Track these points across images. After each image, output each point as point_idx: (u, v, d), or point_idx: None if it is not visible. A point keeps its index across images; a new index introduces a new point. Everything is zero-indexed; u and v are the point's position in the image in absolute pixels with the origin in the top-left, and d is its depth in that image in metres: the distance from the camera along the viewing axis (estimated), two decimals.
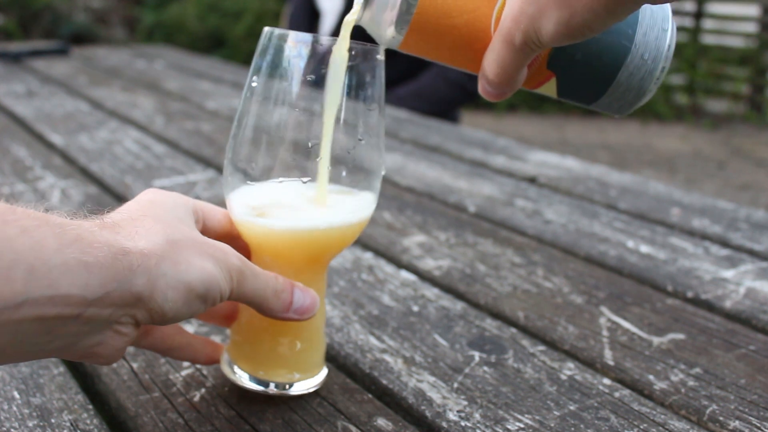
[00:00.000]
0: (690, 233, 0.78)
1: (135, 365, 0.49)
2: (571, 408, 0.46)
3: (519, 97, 4.90)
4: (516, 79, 0.37)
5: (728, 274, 0.67)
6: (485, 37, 0.38)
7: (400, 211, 0.83)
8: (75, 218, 0.34)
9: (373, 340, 0.54)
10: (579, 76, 0.39)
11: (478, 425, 0.44)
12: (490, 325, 0.57)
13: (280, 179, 0.42)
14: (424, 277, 0.65)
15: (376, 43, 0.41)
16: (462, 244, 0.73)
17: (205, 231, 0.44)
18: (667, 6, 0.39)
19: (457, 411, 0.45)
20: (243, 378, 0.45)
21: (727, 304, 0.61)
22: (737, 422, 0.45)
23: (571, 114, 5.01)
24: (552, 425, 0.44)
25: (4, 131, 1.16)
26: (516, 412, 0.45)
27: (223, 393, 0.46)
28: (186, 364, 0.49)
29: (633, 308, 0.60)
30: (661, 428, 0.44)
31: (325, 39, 0.40)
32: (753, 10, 5.17)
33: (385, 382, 0.48)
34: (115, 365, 0.49)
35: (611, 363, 0.52)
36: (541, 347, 0.53)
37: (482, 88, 0.39)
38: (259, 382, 0.45)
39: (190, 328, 0.54)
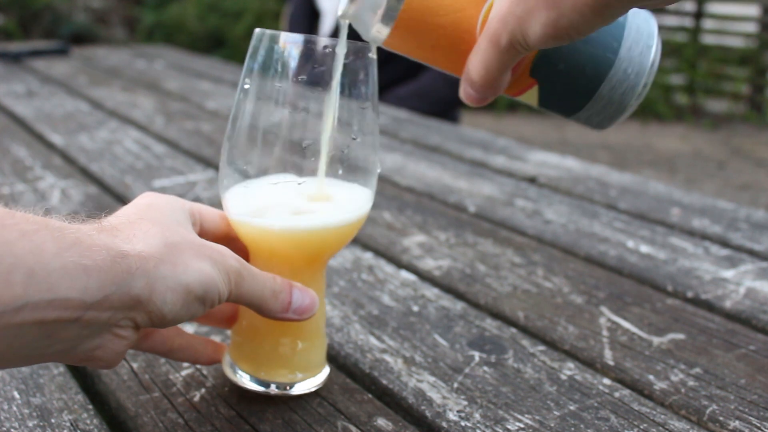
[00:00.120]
0: (690, 233, 0.78)
1: (135, 365, 0.49)
2: (571, 408, 0.46)
3: None
4: (499, 82, 0.37)
5: (728, 274, 0.67)
6: (470, 39, 0.37)
7: (400, 211, 0.83)
8: (73, 222, 0.34)
9: (373, 340, 0.54)
10: (561, 85, 0.38)
11: (478, 425, 0.44)
12: (490, 325, 0.57)
13: (276, 180, 0.42)
14: (424, 277, 0.65)
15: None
16: (462, 244, 0.73)
17: (203, 233, 0.44)
18: (653, 22, 0.39)
19: (457, 411, 0.45)
20: (245, 379, 0.45)
21: (727, 304, 0.61)
22: (737, 422, 0.45)
23: None
24: (552, 425, 0.44)
25: (4, 131, 1.16)
26: (516, 412, 0.45)
27: (223, 393, 0.46)
28: (186, 364, 0.49)
29: (633, 308, 0.60)
30: (661, 428, 0.44)
31: (316, 39, 0.40)
32: (753, 10, 5.16)
33: (385, 382, 0.48)
34: None
35: (611, 363, 0.52)
36: (541, 347, 0.53)
37: (464, 91, 0.39)
38: (260, 382, 0.45)
39: (189, 329, 0.54)
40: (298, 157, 0.42)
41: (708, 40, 5.33)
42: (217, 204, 0.46)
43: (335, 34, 0.40)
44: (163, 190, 0.87)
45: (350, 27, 0.40)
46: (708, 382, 0.49)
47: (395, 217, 0.80)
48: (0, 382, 0.46)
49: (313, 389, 0.46)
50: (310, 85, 0.41)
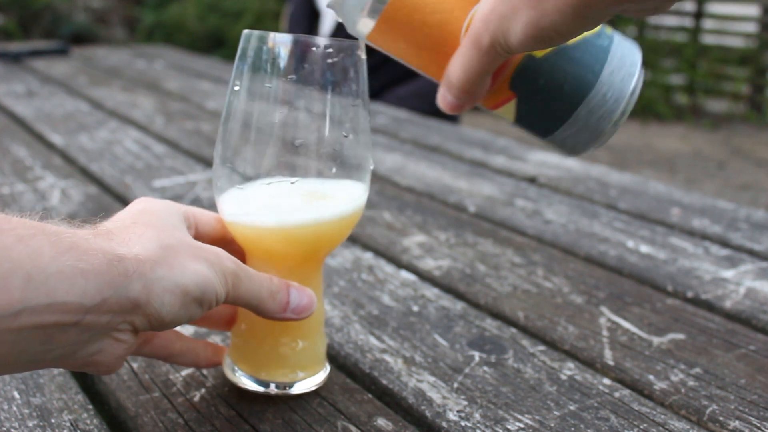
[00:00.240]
0: (690, 233, 0.78)
1: (135, 365, 0.49)
2: (571, 408, 0.46)
3: None
4: (478, 87, 0.36)
5: (728, 274, 0.67)
6: (454, 42, 0.37)
7: (400, 211, 0.83)
8: (69, 226, 0.34)
9: (373, 340, 0.54)
10: (539, 102, 0.38)
11: (478, 425, 0.44)
12: (490, 325, 0.57)
13: (269, 179, 0.42)
14: (424, 277, 0.65)
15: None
16: (462, 244, 0.73)
17: (199, 236, 0.44)
18: (638, 53, 0.39)
19: (457, 411, 0.45)
20: (245, 380, 0.45)
21: (727, 304, 0.61)
22: (737, 422, 0.45)
23: None
24: (552, 425, 0.44)
25: (4, 131, 1.16)
26: (516, 412, 0.45)
27: (223, 393, 0.46)
28: None
29: (633, 308, 0.60)
30: (661, 428, 0.44)
31: (304, 38, 0.40)
32: (753, 10, 5.16)
33: (385, 382, 0.48)
34: None
35: (611, 363, 0.52)
36: (541, 347, 0.53)
37: (441, 96, 0.38)
38: (260, 383, 0.45)
39: (189, 331, 0.54)
40: (291, 156, 0.42)
41: (708, 40, 5.34)
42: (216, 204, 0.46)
43: (335, 33, 0.41)
44: (163, 190, 0.87)
45: (345, 28, 0.40)
46: (708, 382, 0.49)
47: (395, 217, 0.80)
48: (0, 382, 0.46)
49: (313, 388, 0.46)
50: (299, 85, 0.41)
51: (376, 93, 1.70)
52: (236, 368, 0.46)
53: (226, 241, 0.45)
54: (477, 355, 0.52)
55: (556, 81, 0.37)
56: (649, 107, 5.07)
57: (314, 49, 0.40)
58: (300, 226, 0.42)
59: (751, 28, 5.21)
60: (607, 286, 0.64)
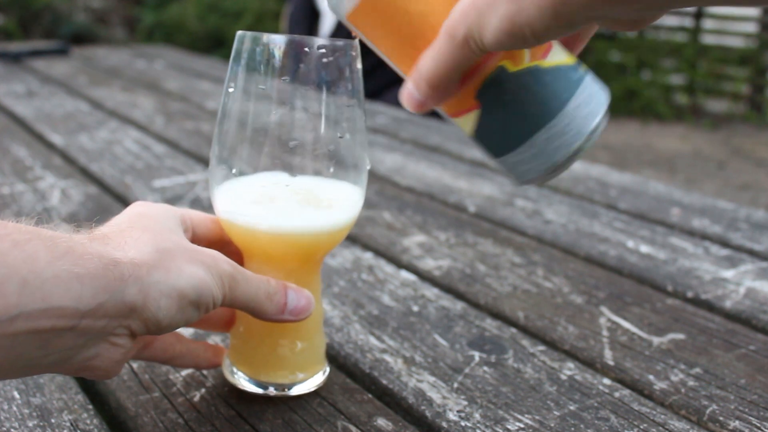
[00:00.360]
0: (690, 233, 0.78)
1: (135, 365, 0.49)
2: (571, 408, 0.46)
3: None
4: (446, 84, 0.36)
5: (728, 274, 0.67)
6: (432, 36, 0.36)
7: (400, 211, 0.83)
8: (64, 231, 0.34)
9: (373, 340, 0.54)
10: (502, 118, 0.37)
11: (478, 425, 0.44)
12: (490, 325, 0.57)
13: (264, 180, 0.42)
14: (424, 277, 0.65)
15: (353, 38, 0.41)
16: (462, 244, 0.73)
17: (196, 239, 0.44)
18: (606, 96, 0.39)
19: (457, 411, 0.45)
20: (244, 382, 0.45)
21: (727, 304, 0.61)
22: (737, 422, 0.45)
23: None
24: (552, 425, 0.44)
25: (4, 131, 1.16)
26: (516, 412, 0.45)
27: (223, 393, 0.46)
28: None
29: (633, 308, 0.60)
30: (661, 428, 0.44)
31: (298, 39, 0.40)
32: (753, 10, 5.16)
33: (385, 382, 0.48)
34: None
35: (611, 363, 0.52)
36: (541, 347, 0.53)
37: (407, 92, 0.37)
38: (260, 384, 0.45)
39: (188, 333, 0.54)
40: (286, 156, 0.42)
41: (708, 40, 5.34)
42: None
43: (335, 33, 0.40)
44: (163, 190, 0.87)
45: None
46: (708, 382, 0.49)
47: (395, 217, 0.80)
48: (0, 382, 0.46)
49: (312, 389, 0.46)
50: (294, 86, 0.41)
51: (376, 93, 1.70)
52: (235, 370, 0.46)
53: (223, 243, 0.45)
54: (477, 355, 0.52)
55: (523, 99, 0.37)
56: (649, 107, 5.07)
57: (308, 49, 0.40)
58: (295, 230, 0.42)
59: (751, 28, 5.21)
60: (607, 286, 0.64)
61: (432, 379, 0.49)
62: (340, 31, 1.79)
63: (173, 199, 0.84)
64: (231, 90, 0.42)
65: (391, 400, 0.47)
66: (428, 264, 0.68)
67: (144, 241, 0.36)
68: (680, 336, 0.56)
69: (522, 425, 0.44)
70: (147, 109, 1.35)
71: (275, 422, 0.43)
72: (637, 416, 0.45)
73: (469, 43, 0.33)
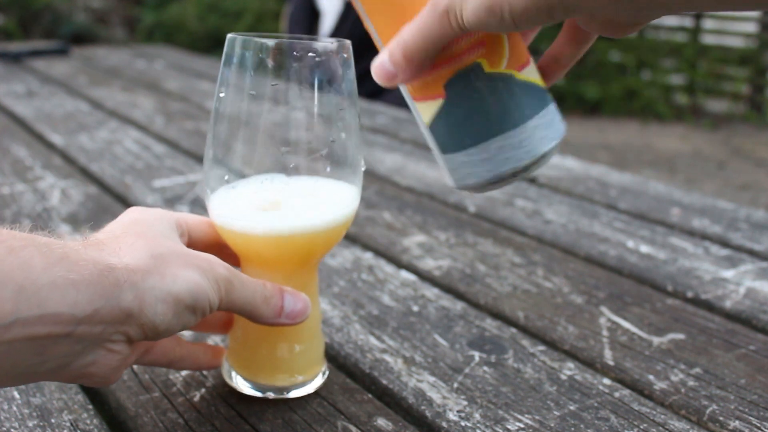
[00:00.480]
0: (690, 233, 0.78)
1: (135, 365, 0.49)
2: (571, 408, 0.46)
3: None
4: (421, 57, 0.35)
5: (728, 274, 0.67)
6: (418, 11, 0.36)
7: (400, 211, 0.83)
8: (58, 238, 0.34)
9: (373, 340, 0.54)
10: (462, 114, 0.37)
11: (478, 425, 0.44)
12: (490, 325, 0.57)
13: (258, 182, 0.42)
14: (424, 277, 0.65)
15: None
16: (462, 244, 0.73)
17: (192, 243, 0.43)
18: (564, 130, 0.39)
19: (457, 411, 0.45)
20: (242, 385, 0.45)
21: (727, 304, 0.61)
22: (737, 422, 0.45)
23: (572, 114, 5.01)
24: (552, 425, 0.44)
25: (4, 131, 1.16)
26: (516, 412, 0.45)
27: (223, 393, 0.46)
28: None
29: (633, 308, 0.60)
30: (661, 428, 0.44)
31: (289, 41, 0.40)
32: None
33: (385, 382, 0.48)
34: None
35: (611, 363, 0.52)
36: (541, 347, 0.53)
37: (379, 62, 0.36)
38: (258, 388, 0.45)
39: (186, 335, 0.54)
40: (280, 159, 0.42)
41: (708, 40, 5.34)
42: None
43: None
44: (163, 190, 0.87)
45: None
46: (708, 382, 0.49)
47: (395, 217, 0.80)
48: None
49: (310, 391, 0.46)
50: (287, 87, 0.41)
51: (376, 93, 1.70)
52: (234, 373, 0.46)
53: (220, 246, 0.45)
54: (477, 355, 0.52)
55: (489, 102, 0.37)
56: (649, 107, 5.07)
57: (300, 51, 0.40)
58: (290, 232, 0.42)
59: (751, 28, 5.21)
60: (607, 286, 0.64)
61: (432, 379, 0.49)
62: (340, 30, 1.79)
63: (173, 199, 0.84)
64: (222, 95, 0.42)
65: (391, 400, 0.47)
66: (428, 264, 0.68)
67: (138, 247, 0.36)
68: (680, 336, 0.56)
69: (522, 425, 0.44)
70: (147, 109, 1.35)
71: (275, 422, 0.43)
72: (637, 416, 0.45)
73: (449, 15, 0.33)
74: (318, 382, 0.47)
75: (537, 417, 0.45)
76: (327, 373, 0.48)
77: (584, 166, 1.05)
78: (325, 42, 0.41)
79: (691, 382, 0.49)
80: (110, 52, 2.19)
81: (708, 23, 5.29)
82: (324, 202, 0.43)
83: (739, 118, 5.05)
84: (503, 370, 0.50)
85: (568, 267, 0.68)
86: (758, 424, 0.45)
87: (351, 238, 0.74)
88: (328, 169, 0.43)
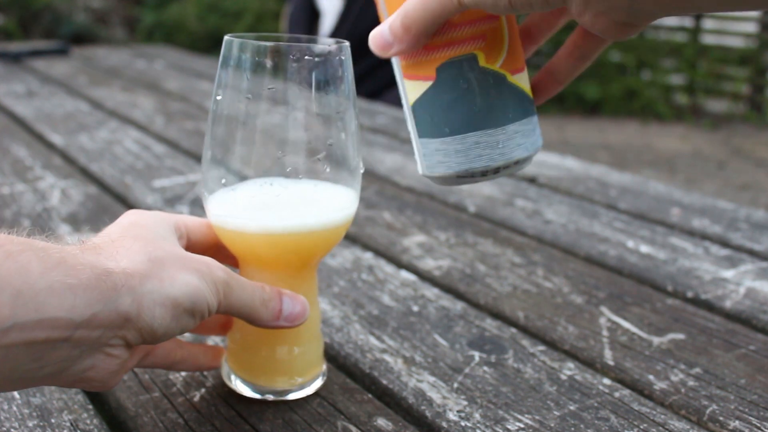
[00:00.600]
0: (690, 233, 0.78)
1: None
2: (571, 408, 0.46)
3: None
4: (419, 30, 0.36)
5: (728, 274, 0.67)
6: None
7: (400, 211, 0.83)
8: (56, 242, 0.34)
9: (373, 340, 0.54)
10: (448, 100, 0.37)
11: (478, 425, 0.44)
12: (490, 325, 0.57)
13: (256, 183, 0.42)
14: (424, 277, 0.65)
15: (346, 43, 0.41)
16: (462, 244, 0.73)
17: (190, 246, 0.43)
18: (540, 146, 0.40)
19: (457, 411, 0.45)
20: (242, 387, 0.45)
21: (727, 304, 0.61)
22: (737, 422, 0.45)
23: (571, 114, 5.02)
24: (552, 425, 0.44)
25: (4, 131, 1.16)
26: (516, 412, 0.45)
27: (223, 393, 0.46)
28: None
29: (633, 308, 0.60)
30: (661, 428, 0.44)
31: (286, 44, 0.40)
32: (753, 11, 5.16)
33: (385, 382, 0.48)
34: None
35: (611, 363, 0.52)
36: (541, 347, 0.53)
37: (378, 31, 0.37)
38: (258, 390, 0.45)
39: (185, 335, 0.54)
40: (278, 160, 0.42)
41: (708, 40, 5.34)
42: None
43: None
44: (163, 190, 0.87)
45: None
46: (708, 382, 0.49)
47: (395, 217, 0.80)
48: None
49: (310, 393, 0.46)
50: (285, 89, 0.40)
51: (376, 93, 1.70)
52: (233, 375, 0.46)
53: (219, 249, 0.45)
54: (477, 355, 0.52)
55: (476, 95, 0.37)
56: (649, 107, 5.07)
57: (298, 53, 0.40)
58: (286, 233, 0.42)
59: (751, 28, 5.21)
60: (607, 286, 0.64)
61: (432, 379, 0.49)
62: (340, 30, 1.79)
63: (173, 199, 0.84)
64: (219, 98, 0.42)
65: (391, 400, 0.47)
66: (428, 264, 0.68)
67: (136, 251, 0.36)
68: (680, 336, 0.56)
69: (522, 425, 0.44)
70: (147, 109, 1.35)
71: (275, 422, 0.43)
72: (637, 416, 0.45)
73: None
74: (317, 383, 0.47)
75: (537, 417, 0.45)
76: (326, 374, 0.48)
77: (584, 166, 1.05)
78: (323, 43, 0.41)
79: (691, 382, 0.49)
80: (110, 52, 2.19)
81: (708, 23, 5.29)
82: (321, 202, 0.43)
83: (739, 118, 5.05)
84: (503, 370, 0.50)
85: (568, 267, 0.68)
86: (758, 424, 0.45)
87: (351, 238, 0.74)
88: (327, 170, 0.42)
